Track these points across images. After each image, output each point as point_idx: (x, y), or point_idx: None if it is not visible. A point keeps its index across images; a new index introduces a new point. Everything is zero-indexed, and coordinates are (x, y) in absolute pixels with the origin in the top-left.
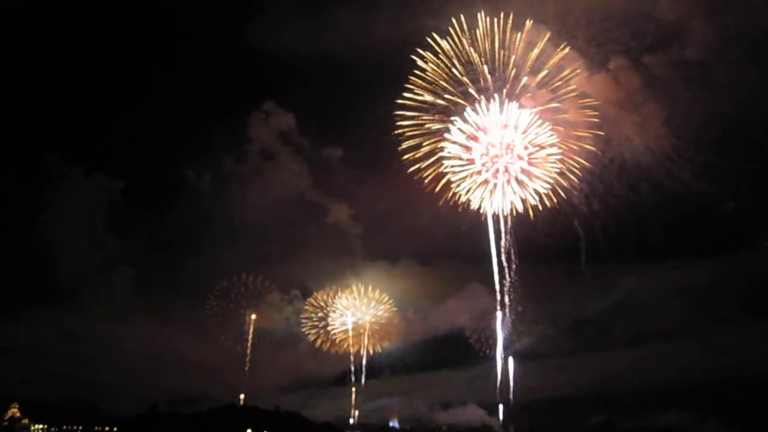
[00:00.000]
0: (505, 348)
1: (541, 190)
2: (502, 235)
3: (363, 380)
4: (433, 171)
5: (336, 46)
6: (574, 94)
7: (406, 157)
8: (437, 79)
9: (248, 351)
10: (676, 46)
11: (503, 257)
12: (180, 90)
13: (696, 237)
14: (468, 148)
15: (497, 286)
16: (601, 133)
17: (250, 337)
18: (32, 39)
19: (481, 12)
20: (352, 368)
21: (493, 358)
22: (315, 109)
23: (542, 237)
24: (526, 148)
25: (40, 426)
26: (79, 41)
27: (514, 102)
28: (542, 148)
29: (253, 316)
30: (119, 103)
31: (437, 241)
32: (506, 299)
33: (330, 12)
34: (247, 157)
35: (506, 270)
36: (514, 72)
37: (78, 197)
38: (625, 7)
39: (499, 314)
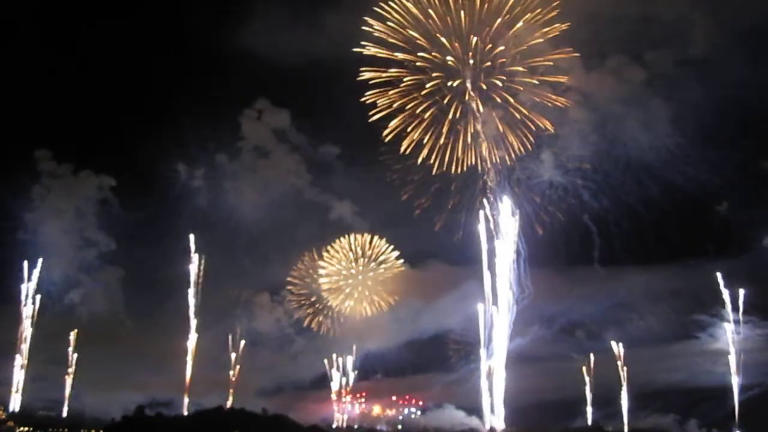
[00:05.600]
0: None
1: None
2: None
3: (351, 383)
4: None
5: (325, 49)
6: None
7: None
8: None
9: (236, 354)
10: (678, 44)
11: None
12: (170, 88)
13: (697, 239)
14: None
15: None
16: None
17: (242, 343)
18: (22, 36)
19: None
20: (340, 370)
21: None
22: (308, 108)
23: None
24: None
25: (26, 428)
26: (70, 38)
27: None
28: None
29: None
30: (109, 100)
31: (430, 241)
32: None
33: (319, 16)
34: (241, 155)
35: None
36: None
37: (67, 195)
38: (624, 6)
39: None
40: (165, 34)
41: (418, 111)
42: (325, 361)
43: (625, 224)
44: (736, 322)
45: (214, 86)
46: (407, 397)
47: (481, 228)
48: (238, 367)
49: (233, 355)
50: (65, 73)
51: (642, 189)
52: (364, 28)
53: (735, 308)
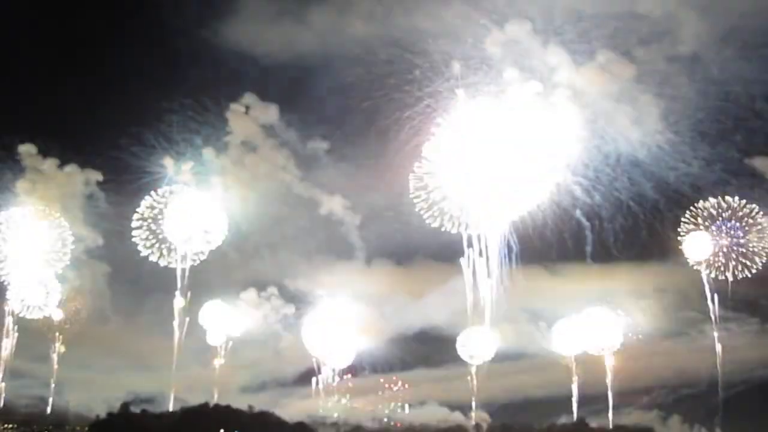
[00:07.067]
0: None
1: None
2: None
3: (336, 379)
4: None
5: (312, 44)
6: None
7: None
8: None
9: (222, 350)
10: (667, 41)
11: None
12: (156, 82)
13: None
14: None
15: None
16: None
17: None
18: (5, 29)
19: None
20: (327, 366)
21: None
22: (296, 103)
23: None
24: None
25: (9, 425)
26: (55, 32)
27: None
28: None
29: None
30: (95, 95)
31: (418, 236)
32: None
33: (303, 11)
34: (228, 150)
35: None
36: None
37: (53, 190)
38: (612, 3)
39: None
40: (151, 28)
41: (405, 111)
42: (312, 357)
43: (618, 220)
44: (724, 318)
45: (201, 81)
46: (395, 378)
47: (472, 224)
48: (223, 363)
49: (219, 352)
50: (49, 68)
51: (633, 185)
52: (347, 28)
53: (723, 305)
